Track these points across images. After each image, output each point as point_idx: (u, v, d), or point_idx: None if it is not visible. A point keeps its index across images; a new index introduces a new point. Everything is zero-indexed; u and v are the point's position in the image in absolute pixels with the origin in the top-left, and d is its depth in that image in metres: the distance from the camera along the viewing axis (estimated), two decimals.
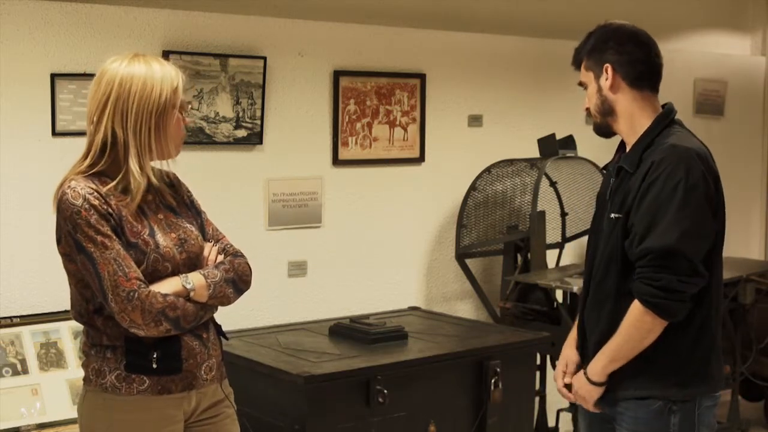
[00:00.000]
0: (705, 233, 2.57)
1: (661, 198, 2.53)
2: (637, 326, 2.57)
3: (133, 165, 2.41)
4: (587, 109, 2.78)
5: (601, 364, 2.66)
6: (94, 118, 2.44)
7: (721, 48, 6.44)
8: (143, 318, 2.35)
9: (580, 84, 2.80)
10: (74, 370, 3.58)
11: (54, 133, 3.76)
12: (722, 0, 6.51)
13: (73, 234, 2.37)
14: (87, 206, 2.36)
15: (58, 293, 3.73)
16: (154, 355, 2.41)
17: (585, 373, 2.72)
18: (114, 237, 2.37)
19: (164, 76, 2.45)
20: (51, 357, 3.58)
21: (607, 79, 2.69)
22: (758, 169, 6.62)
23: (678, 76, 5.95)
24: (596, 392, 2.69)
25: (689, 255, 2.52)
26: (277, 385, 3.51)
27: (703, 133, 5.84)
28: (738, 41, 6.63)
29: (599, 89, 2.72)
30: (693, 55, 6.12)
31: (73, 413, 3.47)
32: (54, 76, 3.74)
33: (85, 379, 2.49)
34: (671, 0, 6.01)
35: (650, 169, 2.57)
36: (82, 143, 2.55)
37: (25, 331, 3.59)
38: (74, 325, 3.67)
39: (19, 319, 3.62)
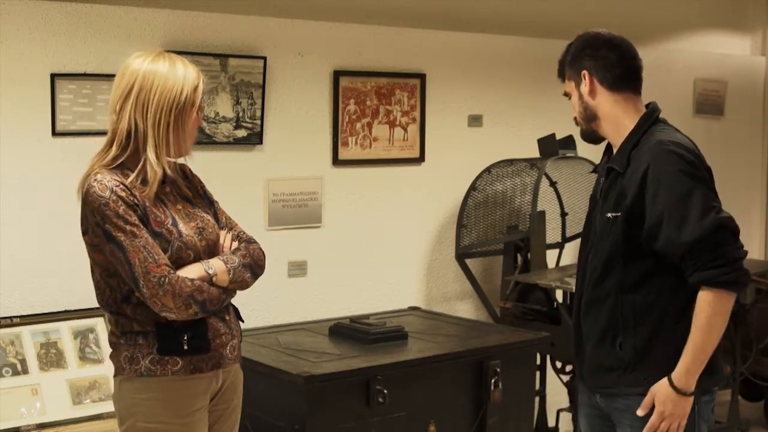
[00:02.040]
0: (719, 201, 2.63)
1: (677, 193, 2.55)
2: (718, 311, 2.55)
3: (151, 155, 2.50)
4: (575, 118, 2.83)
5: (694, 369, 2.58)
6: (117, 107, 2.54)
7: (721, 48, 6.44)
8: (174, 302, 2.45)
9: (565, 94, 2.84)
10: (74, 370, 3.58)
11: (54, 133, 3.76)
12: (722, 0, 6.51)
13: (101, 225, 2.45)
14: (114, 198, 2.45)
15: (58, 293, 3.74)
16: (185, 337, 2.52)
17: (677, 389, 2.59)
18: (142, 226, 2.47)
19: (186, 74, 2.55)
20: (51, 357, 3.58)
21: (585, 86, 2.74)
22: (758, 169, 6.62)
23: (678, 76, 5.94)
24: (689, 404, 2.62)
25: (728, 224, 2.57)
26: (277, 385, 3.51)
27: (703, 133, 5.85)
28: (738, 41, 6.63)
29: (581, 97, 2.77)
30: (693, 55, 6.12)
31: (73, 413, 3.48)
32: (54, 76, 3.74)
33: (117, 370, 2.57)
34: (671, 0, 6.01)
35: (648, 171, 2.59)
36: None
37: (25, 331, 3.59)
38: (74, 325, 3.67)
39: (19, 319, 3.62)
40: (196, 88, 2.56)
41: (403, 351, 3.81)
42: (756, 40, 6.69)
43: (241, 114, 4.18)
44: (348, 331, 3.99)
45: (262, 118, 4.24)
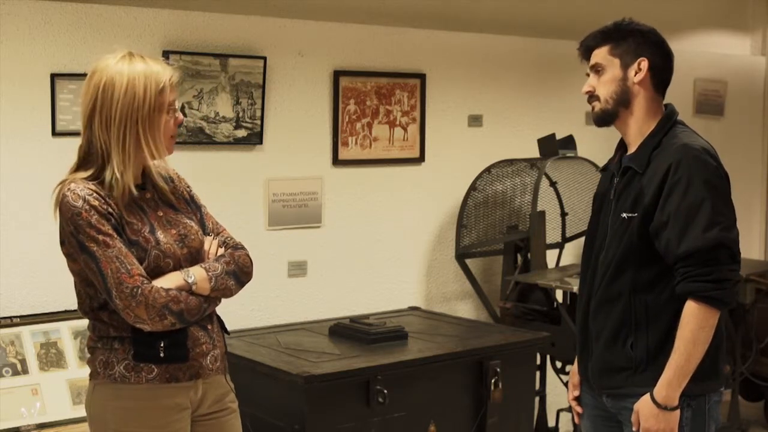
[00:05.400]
0: (734, 220, 2.63)
1: (689, 200, 2.56)
2: (702, 325, 2.55)
3: (116, 172, 2.42)
4: (589, 93, 2.77)
5: (676, 383, 2.57)
6: (86, 123, 2.47)
7: (721, 48, 6.44)
8: (148, 313, 2.39)
9: (594, 66, 2.77)
10: (74, 370, 3.58)
11: (54, 133, 3.76)
12: (722, 0, 6.51)
13: (75, 235, 2.40)
14: (87, 207, 2.39)
15: (58, 293, 3.74)
16: (162, 344, 2.45)
17: (657, 404, 2.59)
18: (115, 235, 2.40)
19: (148, 78, 2.43)
20: (51, 357, 3.58)
21: (637, 73, 2.71)
22: (758, 169, 6.62)
23: (678, 76, 5.83)
24: (674, 418, 2.61)
25: (730, 245, 2.57)
26: (277, 385, 3.51)
27: (703, 133, 5.85)
28: (738, 41, 6.63)
29: (624, 78, 2.73)
30: (693, 55, 6.12)
31: (73, 413, 3.48)
32: (54, 76, 3.74)
33: (92, 374, 2.52)
34: (671, 0, 6.01)
35: (669, 172, 2.59)
36: None
37: (25, 331, 3.59)
38: (74, 325, 3.67)
39: (19, 319, 3.62)
40: (161, 91, 2.44)
41: (403, 351, 3.81)
42: (756, 40, 6.69)
43: (241, 114, 4.18)
44: (348, 331, 3.99)
45: (262, 118, 4.24)
